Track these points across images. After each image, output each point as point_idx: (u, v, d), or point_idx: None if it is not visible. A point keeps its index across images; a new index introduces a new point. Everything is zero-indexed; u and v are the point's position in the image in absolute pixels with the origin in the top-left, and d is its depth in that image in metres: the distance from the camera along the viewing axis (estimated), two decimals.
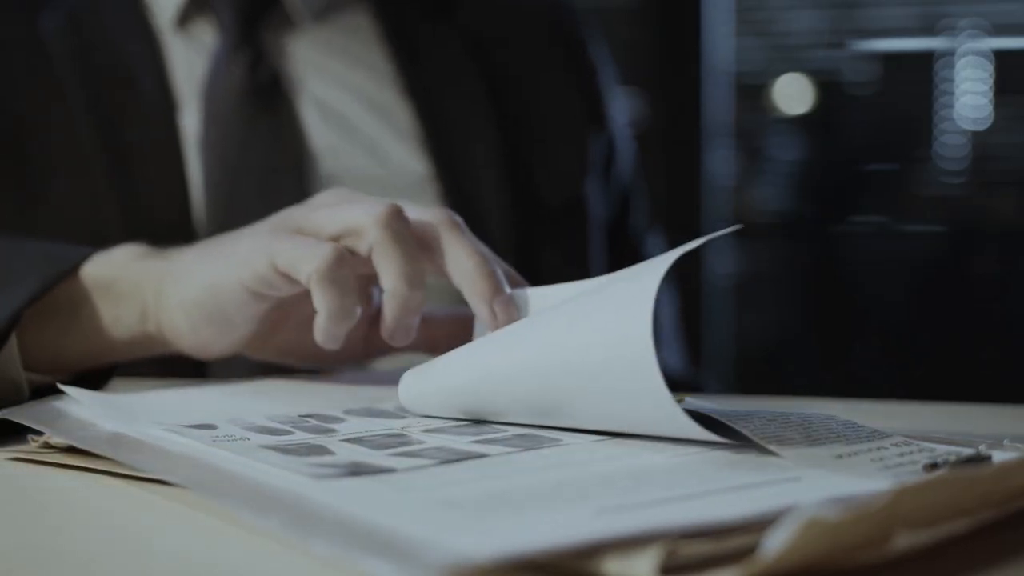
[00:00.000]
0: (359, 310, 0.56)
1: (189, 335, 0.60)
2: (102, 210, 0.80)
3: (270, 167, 0.83)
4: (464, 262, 0.56)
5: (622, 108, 1.03)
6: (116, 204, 0.80)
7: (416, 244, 0.56)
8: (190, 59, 0.85)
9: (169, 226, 0.81)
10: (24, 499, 0.48)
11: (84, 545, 0.41)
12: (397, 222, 0.55)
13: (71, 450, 0.51)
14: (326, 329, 0.56)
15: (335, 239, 0.56)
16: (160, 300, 0.60)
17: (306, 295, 0.57)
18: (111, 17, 0.85)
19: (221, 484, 0.43)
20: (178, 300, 0.59)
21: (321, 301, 0.55)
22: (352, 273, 0.56)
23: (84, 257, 0.63)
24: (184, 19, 0.85)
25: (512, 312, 0.56)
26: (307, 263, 0.55)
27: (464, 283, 0.56)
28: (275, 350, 0.65)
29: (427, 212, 0.58)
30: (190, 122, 0.83)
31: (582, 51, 0.99)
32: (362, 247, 0.56)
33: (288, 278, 0.56)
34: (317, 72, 0.87)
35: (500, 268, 0.58)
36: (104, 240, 0.78)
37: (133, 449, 0.49)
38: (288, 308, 0.62)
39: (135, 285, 0.61)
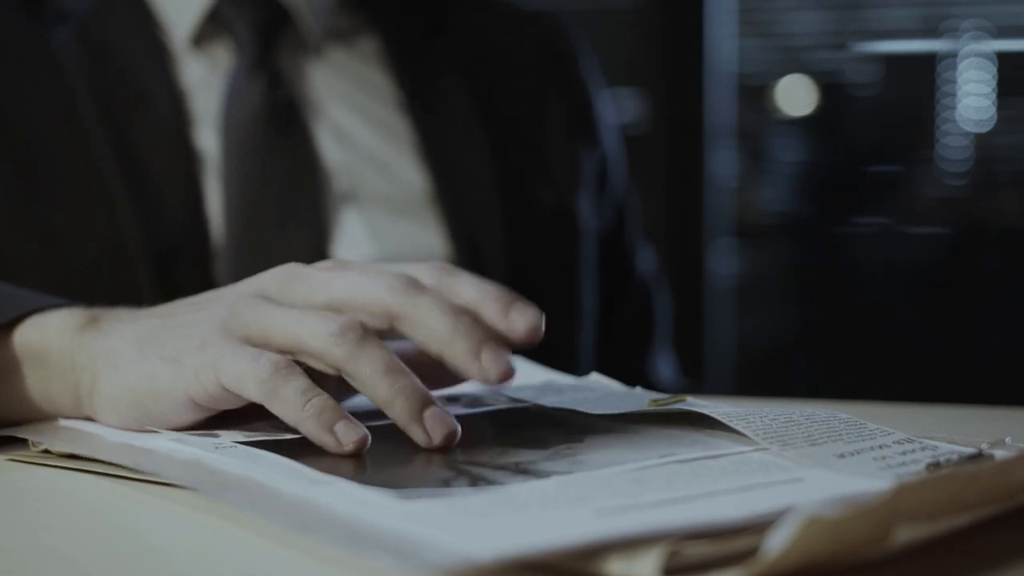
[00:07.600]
0: (316, 405, 0.49)
1: (122, 426, 0.54)
2: (121, 229, 0.78)
3: (288, 187, 0.82)
4: (435, 330, 0.52)
5: (614, 123, 1.03)
6: (134, 225, 0.78)
7: (380, 345, 0.51)
8: (206, 78, 0.84)
9: (186, 244, 0.80)
10: (23, 499, 0.48)
11: (84, 545, 0.41)
12: (352, 334, 0.50)
13: (69, 456, 0.51)
14: (308, 435, 0.50)
15: (286, 353, 0.51)
16: (95, 385, 0.54)
17: None
18: (122, 34, 0.84)
19: (227, 487, 0.43)
20: (113, 395, 0.54)
21: (278, 414, 0.50)
22: (301, 378, 0.50)
23: (20, 312, 0.57)
24: (200, 38, 0.85)
25: (500, 363, 0.51)
26: (250, 381, 0.50)
27: (443, 351, 0.52)
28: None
29: (380, 286, 0.52)
30: (207, 141, 0.82)
31: (573, 67, 0.99)
32: (322, 367, 0.51)
33: (236, 394, 0.51)
34: (330, 93, 0.87)
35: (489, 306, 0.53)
36: (124, 257, 0.77)
37: (141, 455, 0.49)
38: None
39: (70, 362, 0.56)
